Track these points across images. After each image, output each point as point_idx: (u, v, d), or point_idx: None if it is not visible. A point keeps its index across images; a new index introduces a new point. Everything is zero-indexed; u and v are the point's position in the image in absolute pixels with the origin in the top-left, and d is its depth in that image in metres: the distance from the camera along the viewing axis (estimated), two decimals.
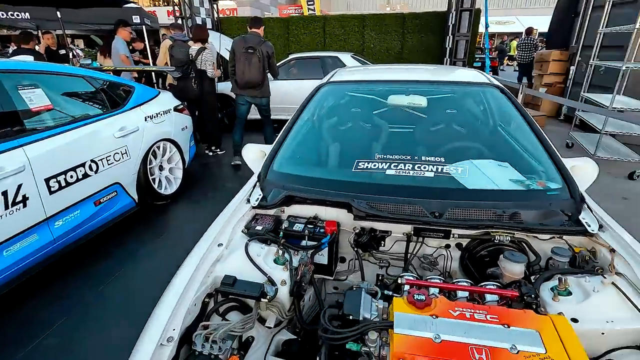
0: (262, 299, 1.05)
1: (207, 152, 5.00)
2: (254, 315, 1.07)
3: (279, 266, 1.16)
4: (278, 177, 1.57)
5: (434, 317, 0.90)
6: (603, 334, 0.94)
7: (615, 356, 0.93)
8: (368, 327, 0.89)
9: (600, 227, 1.24)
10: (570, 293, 1.04)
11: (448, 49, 7.78)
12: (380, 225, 1.32)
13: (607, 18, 4.98)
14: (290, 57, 6.05)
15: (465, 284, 1.09)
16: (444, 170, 1.48)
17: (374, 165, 1.52)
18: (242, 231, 1.32)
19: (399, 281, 1.10)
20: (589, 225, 1.24)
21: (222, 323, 0.99)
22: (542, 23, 14.01)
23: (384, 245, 1.37)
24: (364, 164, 1.53)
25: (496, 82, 1.98)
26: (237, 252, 1.20)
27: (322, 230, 1.31)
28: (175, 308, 0.95)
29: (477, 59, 11.37)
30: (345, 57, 5.70)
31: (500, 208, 1.28)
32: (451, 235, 1.28)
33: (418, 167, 1.49)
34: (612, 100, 4.10)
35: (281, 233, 1.28)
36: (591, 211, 1.31)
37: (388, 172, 1.48)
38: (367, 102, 2.03)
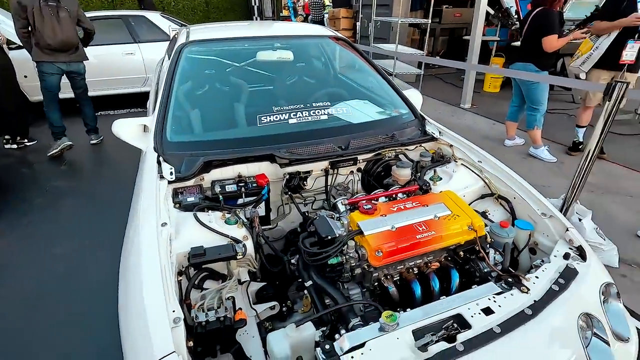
0: (237, 257, 1.08)
1: (8, 146, 3.72)
2: (235, 275, 1.10)
3: (232, 226, 1.19)
4: (180, 147, 1.48)
5: (384, 216, 1.18)
6: (464, 196, 1.46)
7: (474, 205, 1.46)
8: (348, 237, 1.10)
9: (440, 132, 1.79)
10: (440, 178, 1.52)
11: (255, 7, 7.93)
12: (303, 167, 1.49)
13: None
14: None
15: (381, 191, 1.42)
16: (332, 113, 1.74)
17: (276, 118, 1.63)
18: (175, 207, 1.24)
19: (339, 205, 1.33)
20: (434, 133, 1.77)
21: (213, 289, 0.99)
22: None
23: (306, 185, 1.55)
24: (266, 118, 1.62)
25: (340, 35, 2.33)
26: (185, 225, 1.15)
27: (254, 185, 1.37)
28: (165, 292, 0.89)
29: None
30: (155, 17, 5.06)
31: (384, 133, 1.66)
32: (358, 162, 1.58)
33: (313, 112, 1.70)
34: (396, 47, 5.29)
35: (221, 196, 1.28)
36: (430, 124, 1.86)
37: (291, 121, 1.63)
38: (238, 59, 2.03)
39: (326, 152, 1.50)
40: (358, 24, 7.96)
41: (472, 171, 1.54)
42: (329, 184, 1.58)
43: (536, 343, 0.92)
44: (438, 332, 0.88)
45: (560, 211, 1.76)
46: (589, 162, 1.91)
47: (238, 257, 1.08)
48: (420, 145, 1.74)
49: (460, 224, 1.17)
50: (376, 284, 1.14)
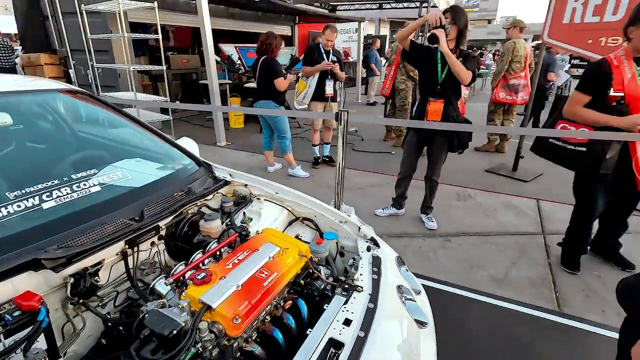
0: None
1: None
2: None
3: None
4: None
5: (223, 278, 1.07)
6: (277, 227, 1.54)
7: (287, 233, 1.57)
8: (197, 320, 0.91)
9: (231, 175, 1.81)
10: (251, 218, 1.54)
11: None
12: (91, 260, 1.12)
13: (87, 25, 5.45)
14: None
15: (200, 254, 1.28)
16: (105, 181, 1.41)
17: (24, 205, 1.14)
18: None
19: (161, 287, 1.10)
20: (225, 177, 1.77)
21: None
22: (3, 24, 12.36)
23: (100, 280, 1.17)
24: (7, 210, 1.10)
25: (74, 87, 1.91)
26: None
27: (18, 314, 0.91)
28: None
29: None
30: None
31: (177, 189, 1.50)
32: (160, 229, 1.35)
33: (77, 186, 1.31)
34: (135, 95, 4.87)
35: None
36: (217, 169, 1.85)
37: (46, 205, 1.19)
38: None
39: (118, 230, 1.19)
40: (72, 71, 6.79)
41: (275, 203, 1.66)
42: (130, 267, 1.26)
43: (387, 325, 1.10)
44: None
45: None
46: (342, 172, 2.47)
47: None
48: (218, 192, 1.69)
49: (292, 255, 1.23)
50: (239, 354, 1.02)
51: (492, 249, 2.77)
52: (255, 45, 4.29)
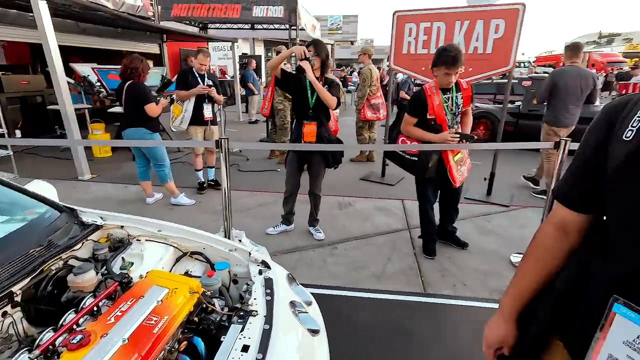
0: None
1: None
2: None
3: None
4: None
5: (105, 335, 1.00)
6: (163, 267, 1.49)
7: (175, 271, 1.53)
8: None
9: (102, 217, 1.66)
10: (132, 263, 1.45)
11: None
12: None
13: None
14: None
15: (73, 314, 1.16)
16: None
17: None
18: None
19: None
20: (96, 221, 1.62)
21: None
22: None
23: None
24: None
25: None
26: None
27: None
28: None
29: None
30: None
31: (34, 244, 1.31)
32: (14, 295, 1.16)
33: None
34: None
35: None
36: (85, 213, 1.67)
37: None
38: None
39: None
40: None
41: (158, 242, 1.59)
42: None
43: (283, 343, 1.19)
44: None
45: (227, 239, 2.19)
46: (228, 196, 2.48)
47: None
48: (88, 240, 1.53)
49: (182, 294, 1.21)
50: None
51: (371, 249, 3.16)
52: (118, 66, 3.94)
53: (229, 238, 2.53)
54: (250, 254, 1.61)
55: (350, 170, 5.51)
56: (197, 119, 4.02)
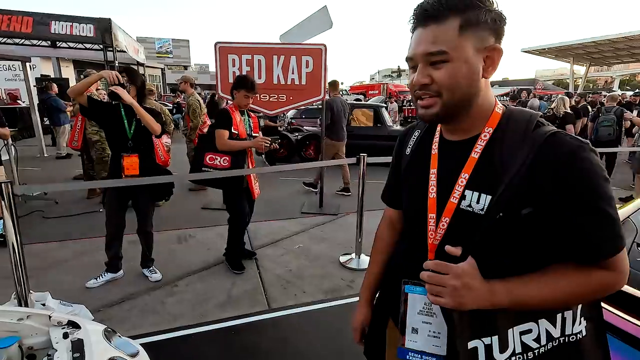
0: None
1: None
2: None
3: None
4: None
5: None
6: None
7: None
8: None
9: None
10: None
11: None
12: None
13: None
14: None
15: None
16: None
17: None
18: None
19: None
20: None
21: None
22: None
23: None
24: None
25: None
26: None
27: None
28: None
29: None
30: None
31: None
32: None
33: None
34: None
35: None
36: None
37: None
38: None
39: None
40: None
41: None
42: None
43: None
44: None
45: (22, 306, 1.77)
46: (19, 254, 2.00)
47: None
48: None
49: None
50: None
51: (215, 278, 3.10)
52: None
53: (25, 305, 2.04)
54: (50, 317, 1.36)
55: (190, 200, 5.26)
56: None
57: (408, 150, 0.94)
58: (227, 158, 2.94)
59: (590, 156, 0.65)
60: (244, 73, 4.40)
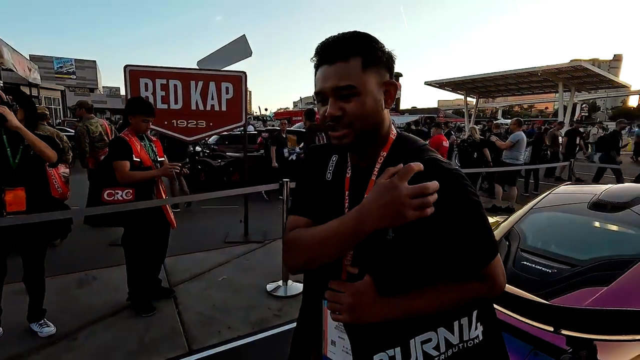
0: None
1: None
2: None
3: None
4: None
5: None
6: None
7: None
8: None
9: None
10: None
11: None
12: None
13: None
14: None
15: None
16: None
17: None
18: None
19: None
20: None
21: None
22: None
23: None
24: None
25: None
26: None
27: None
28: None
29: None
30: None
31: None
32: None
33: None
34: None
35: None
36: None
37: None
38: None
39: None
40: None
41: None
42: None
43: None
44: None
45: None
46: None
47: None
48: None
49: None
50: None
51: (125, 324, 2.75)
52: None
53: None
54: None
55: (94, 236, 4.64)
56: None
57: (329, 175, 0.92)
58: (131, 191, 2.71)
59: (464, 180, 0.76)
60: (158, 97, 4.18)
